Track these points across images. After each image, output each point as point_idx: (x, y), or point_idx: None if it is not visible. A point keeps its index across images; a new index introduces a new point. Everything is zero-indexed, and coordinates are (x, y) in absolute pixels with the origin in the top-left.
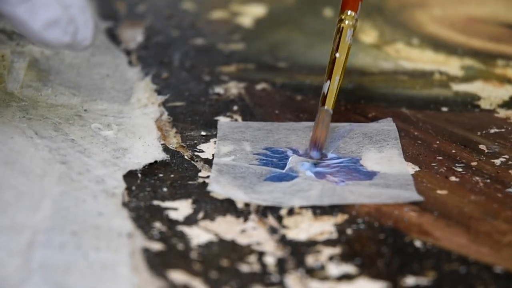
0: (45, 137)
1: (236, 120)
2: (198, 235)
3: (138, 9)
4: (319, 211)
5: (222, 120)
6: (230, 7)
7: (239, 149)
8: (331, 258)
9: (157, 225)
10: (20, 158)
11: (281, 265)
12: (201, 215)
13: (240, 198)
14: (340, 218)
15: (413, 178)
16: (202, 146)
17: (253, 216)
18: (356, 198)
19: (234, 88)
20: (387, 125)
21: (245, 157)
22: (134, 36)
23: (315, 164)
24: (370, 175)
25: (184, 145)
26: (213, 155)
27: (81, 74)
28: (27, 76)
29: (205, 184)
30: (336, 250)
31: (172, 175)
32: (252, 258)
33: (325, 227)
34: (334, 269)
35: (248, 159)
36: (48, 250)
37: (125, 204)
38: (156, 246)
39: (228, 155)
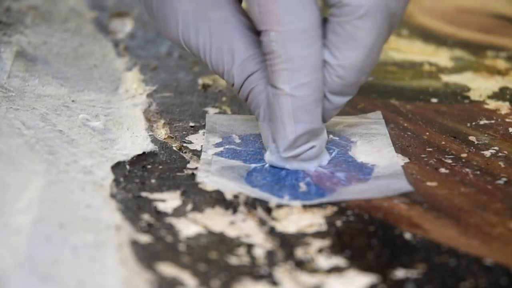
0: (32, 128)
1: (224, 111)
2: (187, 227)
3: None
4: None
5: (211, 111)
6: None
7: (227, 142)
8: (320, 250)
9: (145, 217)
10: (6, 149)
11: (270, 257)
12: (189, 207)
13: (229, 188)
14: (330, 210)
15: (403, 170)
16: (190, 137)
17: (242, 208)
18: (346, 195)
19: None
20: (376, 119)
21: (233, 149)
22: (122, 26)
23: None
24: (359, 166)
25: (172, 136)
26: (201, 146)
27: (68, 64)
28: (14, 66)
29: (193, 176)
30: (326, 243)
31: (160, 167)
32: (241, 251)
33: (315, 219)
34: (324, 262)
35: (236, 152)
36: (35, 243)
37: (113, 196)
38: (144, 238)
39: (217, 147)
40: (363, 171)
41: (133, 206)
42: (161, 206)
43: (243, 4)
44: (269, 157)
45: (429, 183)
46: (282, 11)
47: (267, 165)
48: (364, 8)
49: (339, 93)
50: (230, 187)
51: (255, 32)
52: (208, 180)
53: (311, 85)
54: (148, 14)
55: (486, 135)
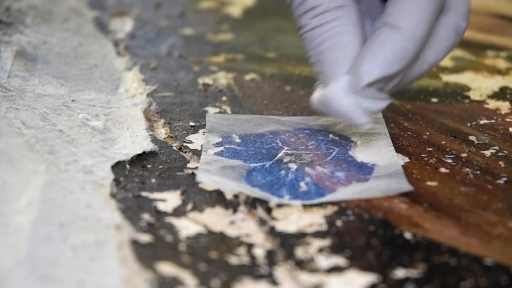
0: (32, 127)
1: (224, 110)
2: (187, 226)
3: None
4: None
5: (211, 110)
6: None
7: (227, 141)
8: (320, 250)
9: (146, 216)
10: (6, 148)
11: (271, 257)
12: (189, 206)
13: (229, 187)
14: (330, 209)
15: (403, 169)
16: (190, 137)
17: (242, 208)
18: (346, 195)
19: (222, 79)
20: (376, 119)
21: (233, 149)
22: (122, 26)
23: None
24: (360, 166)
25: (172, 135)
26: (201, 146)
27: (68, 64)
28: (14, 66)
29: (193, 175)
30: (326, 242)
31: (160, 166)
32: (241, 250)
33: (315, 219)
34: (324, 261)
35: (236, 152)
36: (35, 242)
37: (113, 195)
38: (145, 238)
39: (217, 147)
40: (363, 171)
41: (133, 206)
42: (161, 206)
43: None
44: (331, 89)
45: (429, 183)
46: None
47: (267, 165)
48: (466, 24)
49: (406, 84)
50: (230, 187)
51: None
52: (208, 180)
53: (423, 41)
54: None
55: (486, 134)
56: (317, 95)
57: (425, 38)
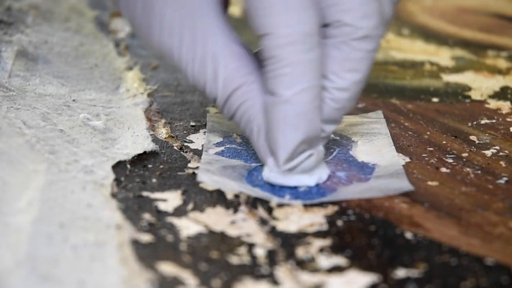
0: (33, 127)
1: None
2: (188, 226)
3: None
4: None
5: (212, 110)
6: None
7: (228, 141)
8: (321, 250)
9: (146, 216)
10: (7, 148)
11: (271, 257)
12: (190, 206)
13: (230, 187)
14: (331, 209)
15: (404, 169)
16: (191, 137)
17: (243, 208)
18: (346, 194)
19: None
20: (377, 119)
21: (233, 149)
22: (123, 25)
23: None
24: (360, 165)
25: (173, 135)
26: (202, 145)
27: (69, 63)
28: (14, 66)
29: (194, 175)
30: (327, 242)
31: (161, 166)
32: (242, 250)
33: (315, 218)
34: (325, 261)
35: (237, 152)
36: (36, 242)
37: (113, 195)
38: (145, 237)
39: (217, 146)
40: (364, 171)
41: (134, 206)
42: (162, 206)
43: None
44: (268, 175)
45: (430, 183)
46: (284, 13)
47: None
48: (365, 30)
49: (331, 119)
50: (231, 187)
51: (239, 45)
52: (208, 180)
53: (312, 91)
54: (128, 18)
55: (487, 134)
56: (265, 176)
57: (309, 89)
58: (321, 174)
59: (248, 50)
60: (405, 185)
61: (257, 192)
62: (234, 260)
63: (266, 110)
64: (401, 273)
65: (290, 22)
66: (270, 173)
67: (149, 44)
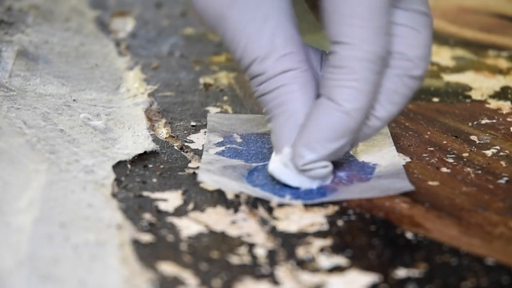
0: (34, 127)
1: (226, 110)
2: (188, 226)
3: None
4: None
5: (212, 110)
6: None
7: (228, 141)
8: (321, 249)
9: (147, 216)
10: (8, 148)
11: (272, 257)
12: (191, 206)
13: (231, 187)
14: (331, 209)
15: (404, 169)
16: (192, 137)
17: (243, 207)
18: (347, 194)
19: (224, 78)
20: None
21: (234, 149)
22: (123, 25)
23: None
24: (361, 165)
25: (173, 135)
26: (203, 145)
27: (70, 63)
28: (15, 66)
29: (195, 175)
30: (327, 242)
31: (161, 166)
32: (243, 250)
33: (316, 218)
34: (325, 261)
35: (237, 152)
36: (36, 242)
37: (114, 195)
38: (146, 237)
39: (218, 146)
40: (365, 171)
41: (134, 206)
42: (162, 206)
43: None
44: (275, 166)
45: (430, 183)
46: (370, 30)
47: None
48: (422, 70)
49: (361, 140)
50: (232, 187)
51: (298, 32)
52: (209, 180)
53: (365, 112)
54: None
55: (487, 134)
56: (271, 166)
57: (365, 110)
58: (325, 180)
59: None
60: (405, 185)
61: (257, 192)
62: (234, 260)
63: (315, 109)
64: (401, 273)
65: (374, 41)
66: (278, 165)
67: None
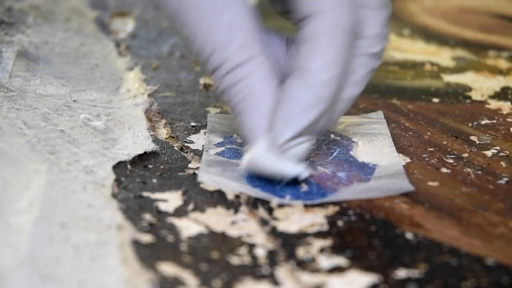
0: (34, 128)
1: (226, 111)
2: (188, 227)
3: None
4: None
5: (212, 110)
6: None
7: (229, 141)
8: (322, 250)
9: (147, 216)
10: (8, 148)
11: (272, 257)
12: (191, 206)
13: (231, 188)
14: (331, 210)
15: (404, 170)
16: (192, 137)
17: (243, 208)
18: (347, 195)
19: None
20: (377, 119)
21: (234, 149)
22: (123, 26)
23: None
24: (361, 166)
25: (173, 136)
26: (203, 146)
27: (70, 64)
28: (15, 66)
29: (195, 175)
30: (327, 242)
31: (161, 166)
32: (243, 250)
33: (316, 219)
34: (325, 261)
35: (237, 152)
36: (37, 242)
37: (114, 196)
38: (146, 238)
39: (218, 147)
40: (365, 171)
41: (135, 206)
42: (162, 206)
43: None
44: (253, 156)
45: (430, 183)
46: (342, 2)
47: None
48: (379, 47)
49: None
50: (232, 187)
51: (257, 21)
52: (209, 180)
53: (339, 81)
54: None
55: (487, 135)
56: (245, 160)
57: (340, 78)
58: (304, 170)
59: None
60: (405, 185)
61: (257, 193)
62: (234, 260)
63: (287, 87)
64: (401, 273)
65: (347, 10)
66: (255, 156)
67: None
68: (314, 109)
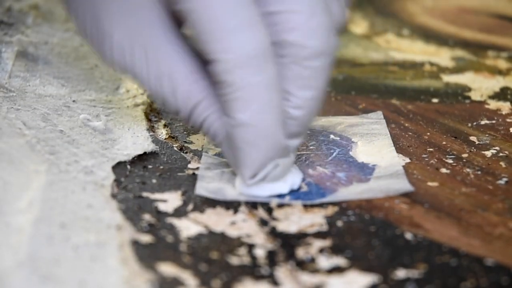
0: (33, 128)
1: None
2: (188, 227)
3: None
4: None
5: None
6: None
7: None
8: (321, 250)
9: (146, 217)
10: (8, 148)
11: (271, 257)
12: (190, 207)
13: (229, 197)
14: (331, 210)
15: (404, 170)
16: (191, 137)
17: (243, 208)
18: (346, 195)
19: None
20: (377, 119)
21: None
22: None
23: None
24: (360, 166)
25: (173, 136)
26: (202, 146)
27: (69, 64)
28: (15, 66)
29: (194, 176)
30: (327, 243)
31: (161, 167)
32: (242, 251)
33: (316, 219)
34: (325, 262)
35: None
36: (36, 242)
37: (114, 196)
38: (145, 238)
39: (217, 147)
40: (364, 171)
41: (134, 206)
42: (162, 206)
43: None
44: (241, 188)
45: (430, 183)
46: (227, 37)
47: None
48: (312, 48)
49: (294, 135)
50: (230, 196)
51: (195, 58)
52: (206, 193)
53: (268, 111)
54: (81, 35)
55: (487, 135)
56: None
57: (264, 112)
58: (294, 179)
59: (203, 61)
60: (405, 185)
61: (256, 198)
62: (234, 260)
63: (226, 130)
64: (401, 273)
65: (233, 46)
66: (242, 186)
67: (105, 62)
68: (259, 146)
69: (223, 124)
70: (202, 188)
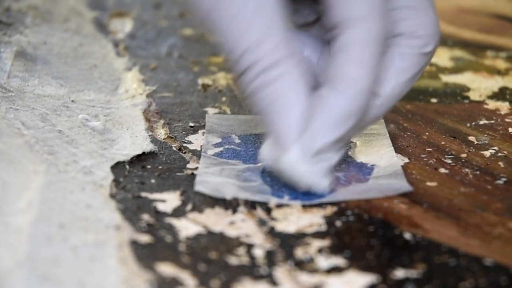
0: (32, 128)
1: (224, 111)
2: (187, 227)
3: None
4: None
5: (210, 111)
6: None
7: (227, 142)
8: (320, 250)
9: (145, 217)
10: (6, 148)
11: (270, 257)
12: (189, 207)
13: (228, 194)
14: (329, 210)
15: (402, 170)
16: (190, 137)
17: (241, 208)
18: (345, 195)
19: (222, 79)
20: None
21: (232, 150)
22: (122, 26)
23: None
24: (359, 166)
25: (172, 136)
26: (201, 146)
27: (68, 64)
28: (13, 66)
29: (193, 176)
30: (325, 243)
31: (160, 167)
32: (241, 251)
33: (314, 219)
34: (323, 262)
35: (236, 152)
36: (35, 242)
37: (112, 196)
38: (144, 238)
39: (216, 147)
40: (363, 171)
41: (133, 206)
42: (160, 206)
43: None
44: (287, 160)
45: (429, 183)
46: (368, 12)
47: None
48: (433, 46)
49: (372, 121)
50: (229, 193)
51: (289, 22)
52: (205, 190)
53: (367, 94)
54: None
55: (485, 135)
56: (270, 156)
57: (367, 92)
58: (327, 185)
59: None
60: (404, 185)
61: (255, 196)
62: (233, 260)
63: (319, 97)
64: (400, 273)
65: (373, 22)
66: (290, 159)
67: None
68: (350, 119)
69: (302, 85)
70: (201, 185)
